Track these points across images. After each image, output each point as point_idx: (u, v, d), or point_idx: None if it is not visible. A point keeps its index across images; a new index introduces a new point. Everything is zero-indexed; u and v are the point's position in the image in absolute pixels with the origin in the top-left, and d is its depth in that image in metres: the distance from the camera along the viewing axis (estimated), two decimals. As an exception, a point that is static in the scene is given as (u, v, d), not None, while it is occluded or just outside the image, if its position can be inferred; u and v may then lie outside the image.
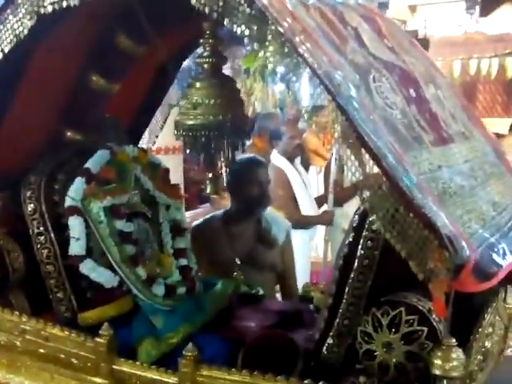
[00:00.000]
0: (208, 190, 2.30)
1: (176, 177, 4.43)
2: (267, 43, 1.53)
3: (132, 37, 2.41)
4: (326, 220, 4.57)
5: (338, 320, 1.83)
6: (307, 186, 4.75)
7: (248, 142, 5.12)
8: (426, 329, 1.62)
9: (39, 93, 2.31)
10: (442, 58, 6.50)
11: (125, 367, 2.02)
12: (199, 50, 2.18)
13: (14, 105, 2.28)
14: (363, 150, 1.46)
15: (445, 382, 1.49)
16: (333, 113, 1.48)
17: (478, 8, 8.02)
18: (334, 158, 4.59)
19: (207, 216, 3.11)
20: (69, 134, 2.56)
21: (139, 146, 2.75)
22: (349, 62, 1.65)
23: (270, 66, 1.54)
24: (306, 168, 5.06)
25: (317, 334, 1.92)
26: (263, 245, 2.95)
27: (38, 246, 2.33)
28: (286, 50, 1.51)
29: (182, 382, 1.89)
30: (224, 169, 2.19)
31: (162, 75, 2.70)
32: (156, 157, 2.68)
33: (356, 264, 1.77)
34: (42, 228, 2.33)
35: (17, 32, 1.96)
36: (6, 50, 2.00)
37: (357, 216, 1.79)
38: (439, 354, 1.50)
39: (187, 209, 5.76)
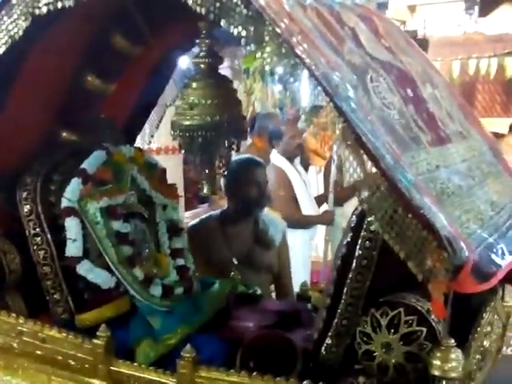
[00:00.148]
0: (205, 190, 2.29)
1: (176, 177, 4.43)
2: (264, 44, 1.52)
3: (127, 37, 2.40)
4: (327, 220, 4.58)
5: (336, 320, 1.83)
6: (307, 186, 4.75)
7: (248, 142, 5.13)
8: (424, 329, 1.62)
9: (34, 93, 2.30)
10: (441, 58, 6.52)
11: (123, 368, 2.01)
12: (195, 50, 2.17)
13: (8, 105, 2.26)
14: (361, 151, 1.46)
15: (444, 382, 1.50)
16: (331, 113, 1.48)
17: (477, 8, 8.04)
18: (333, 158, 4.59)
19: (204, 216, 3.10)
20: (64, 134, 2.55)
21: (135, 145, 2.74)
22: (346, 62, 1.64)
23: (267, 67, 1.53)
24: (306, 168, 5.07)
25: (315, 334, 1.92)
26: (260, 246, 2.95)
27: (35, 247, 2.32)
28: (284, 51, 1.50)
29: (181, 384, 1.89)
30: (221, 169, 2.19)
31: (157, 75, 2.69)
32: (152, 157, 2.67)
33: (354, 264, 1.77)
34: (38, 229, 2.31)
35: (11, 33, 1.94)
36: (1, 51, 1.98)
37: (355, 216, 1.79)
38: (438, 354, 1.50)
39: (187, 209, 5.77)
